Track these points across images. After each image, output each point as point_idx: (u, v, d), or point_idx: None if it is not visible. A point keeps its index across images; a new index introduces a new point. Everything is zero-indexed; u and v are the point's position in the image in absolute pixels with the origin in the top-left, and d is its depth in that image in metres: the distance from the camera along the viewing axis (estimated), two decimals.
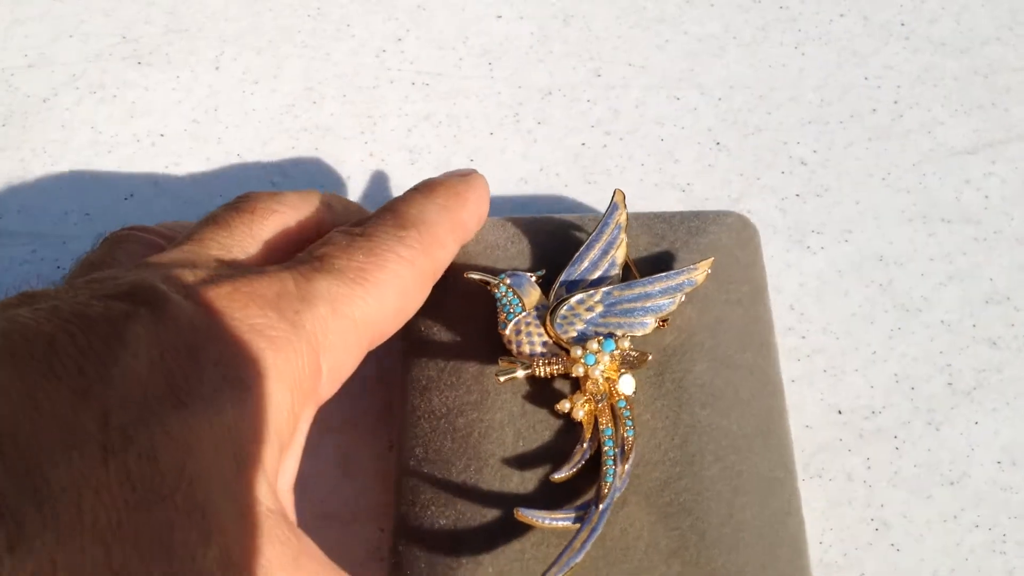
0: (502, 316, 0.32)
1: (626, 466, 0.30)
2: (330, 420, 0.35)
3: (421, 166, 0.42)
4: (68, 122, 0.43)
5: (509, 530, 0.30)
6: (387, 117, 0.43)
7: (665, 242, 0.35)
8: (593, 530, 0.29)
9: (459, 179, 0.34)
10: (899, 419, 0.36)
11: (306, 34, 0.46)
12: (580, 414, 0.31)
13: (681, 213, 0.36)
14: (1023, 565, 0.33)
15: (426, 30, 0.46)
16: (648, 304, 0.32)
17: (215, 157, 0.42)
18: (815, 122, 0.42)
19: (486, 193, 0.34)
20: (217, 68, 0.45)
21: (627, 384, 0.31)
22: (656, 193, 0.41)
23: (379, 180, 0.42)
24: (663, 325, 0.33)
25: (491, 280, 0.33)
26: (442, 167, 0.42)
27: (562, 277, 0.33)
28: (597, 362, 0.31)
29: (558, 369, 0.32)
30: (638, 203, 0.40)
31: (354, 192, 0.41)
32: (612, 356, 0.31)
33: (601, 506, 0.29)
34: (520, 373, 0.32)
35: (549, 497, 0.30)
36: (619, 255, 0.34)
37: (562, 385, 0.32)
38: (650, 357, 0.32)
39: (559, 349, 0.32)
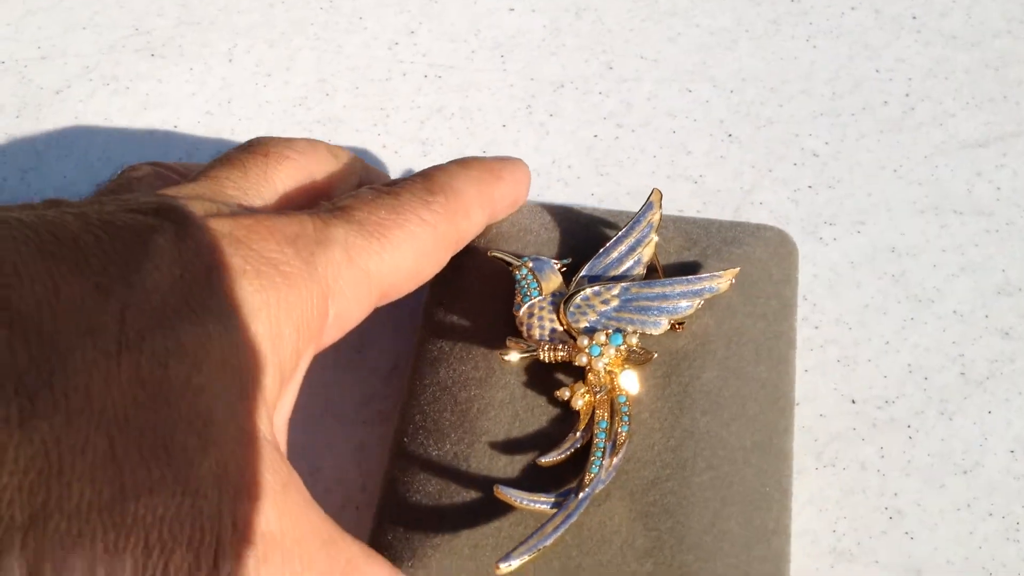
0: (518, 298, 0.33)
1: (614, 460, 0.30)
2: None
3: (434, 158, 0.42)
4: (81, 114, 0.43)
5: (490, 507, 0.30)
6: (399, 109, 0.43)
7: (697, 247, 0.35)
8: (568, 517, 0.29)
9: (499, 158, 0.34)
10: (912, 409, 0.36)
11: (319, 27, 0.46)
12: (579, 403, 0.31)
13: (720, 221, 0.36)
14: None
15: (438, 23, 0.46)
16: (665, 305, 0.32)
17: (228, 149, 0.42)
18: (827, 114, 0.42)
19: (524, 177, 0.35)
20: (230, 60, 0.45)
21: (629, 380, 0.31)
22: (668, 185, 0.41)
23: (392, 172, 0.42)
24: (679, 328, 0.33)
25: (513, 261, 0.33)
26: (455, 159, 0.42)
27: (585, 268, 0.33)
28: (602, 354, 0.31)
29: (563, 356, 0.32)
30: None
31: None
32: (618, 350, 0.32)
33: (581, 495, 0.29)
34: (524, 355, 0.32)
35: (534, 481, 0.31)
36: (646, 253, 0.34)
37: (568, 375, 0.33)
38: (655, 356, 0.32)
39: (568, 337, 0.32)
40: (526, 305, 0.32)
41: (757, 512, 0.30)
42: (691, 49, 0.44)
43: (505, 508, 0.30)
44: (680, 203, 0.40)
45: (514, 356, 0.32)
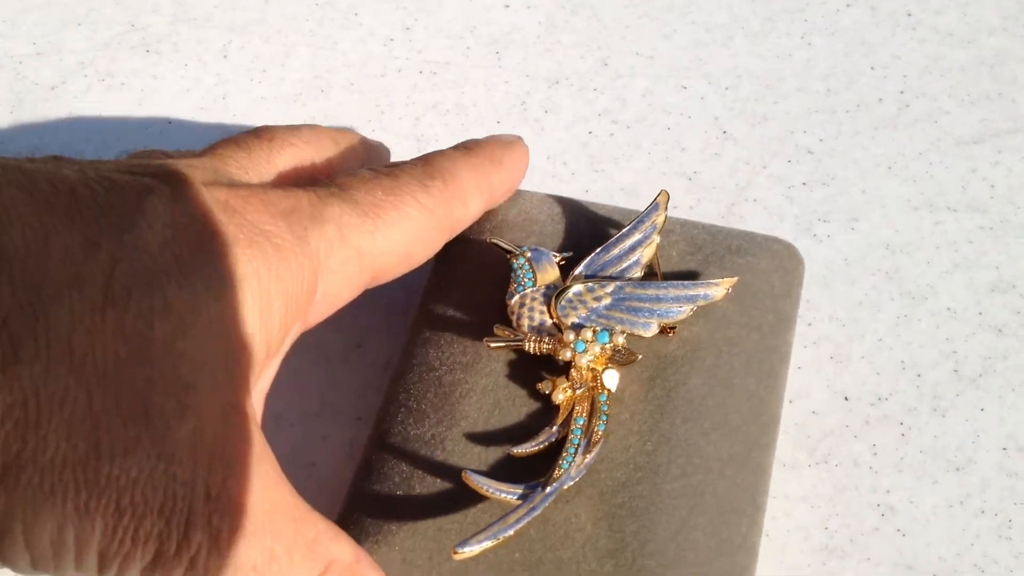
0: (512, 287, 0.33)
1: (587, 458, 0.30)
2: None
3: None
4: (77, 110, 0.43)
5: (459, 493, 0.30)
6: (395, 106, 0.43)
7: (701, 253, 0.35)
8: (532, 509, 0.29)
9: (499, 143, 0.34)
10: (905, 405, 0.36)
11: (314, 23, 0.46)
12: (559, 398, 0.31)
13: (729, 229, 0.35)
14: None
15: (434, 19, 0.46)
16: (657, 307, 0.32)
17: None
18: (822, 111, 0.42)
19: (523, 161, 0.35)
20: (225, 56, 0.45)
21: (611, 378, 0.31)
22: (663, 181, 0.41)
23: None
24: (671, 333, 0.33)
25: (513, 250, 0.33)
26: None
27: (583, 263, 0.33)
28: (586, 351, 0.31)
29: (547, 348, 0.32)
30: (644, 192, 0.41)
31: None
32: (603, 349, 0.32)
33: (548, 489, 0.30)
34: (509, 343, 0.32)
35: (506, 471, 0.31)
36: (646, 254, 0.33)
37: (555, 370, 0.33)
38: (639, 358, 0.32)
39: (556, 331, 0.32)
40: (519, 295, 0.33)
41: (726, 525, 0.30)
42: (687, 46, 0.44)
43: (474, 495, 0.30)
44: (674, 200, 0.40)
45: (506, 343, 0.32)
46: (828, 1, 0.45)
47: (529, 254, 0.33)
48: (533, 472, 0.30)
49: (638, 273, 0.33)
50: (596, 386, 0.31)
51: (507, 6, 0.46)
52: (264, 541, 0.25)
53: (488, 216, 0.36)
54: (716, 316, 0.33)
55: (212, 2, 0.46)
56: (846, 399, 0.36)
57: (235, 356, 0.25)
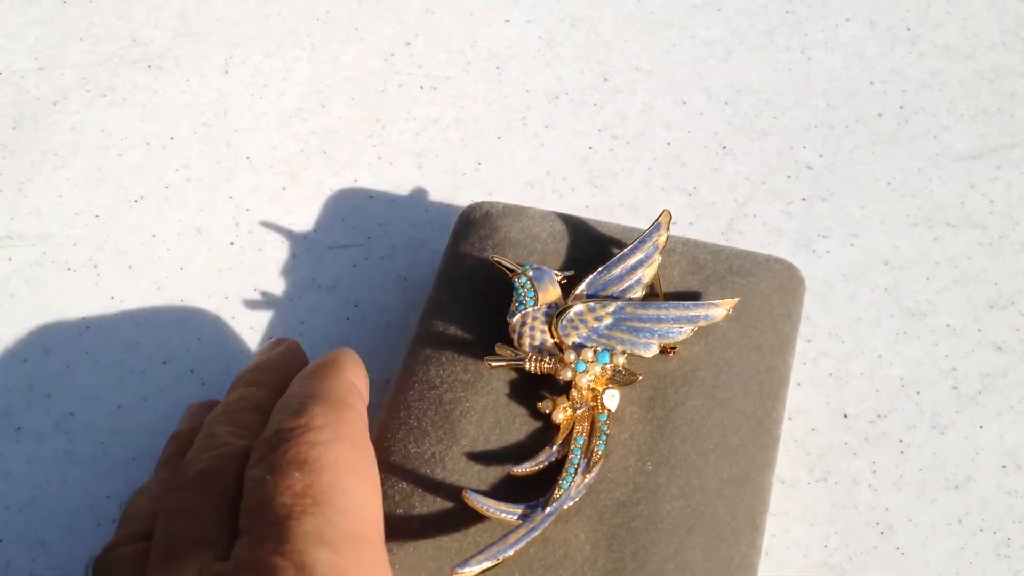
0: (513, 305, 0.33)
1: (587, 478, 0.30)
2: None
3: (428, 169, 0.42)
4: (78, 125, 0.44)
5: (459, 512, 0.30)
6: (395, 120, 0.43)
7: (702, 273, 0.35)
8: (532, 530, 0.29)
9: (315, 363, 0.33)
10: (904, 423, 0.36)
11: (315, 37, 0.46)
12: (559, 417, 0.31)
13: (731, 249, 0.35)
14: None
15: (434, 34, 0.46)
16: (657, 328, 0.32)
17: (225, 160, 0.42)
18: (821, 126, 0.43)
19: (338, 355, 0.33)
20: (226, 72, 0.45)
21: (611, 399, 0.32)
22: (662, 197, 0.41)
23: (387, 183, 0.42)
24: (671, 353, 0.33)
25: (515, 269, 0.33)
26: (449, 170, 0.42)
27: (585, 283, 0.33)
28: (587, 371, 0.32)
29: (548, 368, 0.32)
30: (643, 207, 0.41)
31: (361, 195, 0.41)
32: (604, 369, 0.32)
33: (547, 509, 0.30)
34: (510, 363, 0.32)
35: (506, 491, 0.31)
36: (648, 274, 0.34)
37: (556, 390, 0.33)
38: (639, 378, 0.32)
39: (557, 350, 0.32)
40: (520, 314, 0.33)
41: (724, 545, 0.30)
42: (686, 60, 0.45)
43: (474, 515, 0.30)
44: (674, 215, 0.40)
45: (508, 363, 0.32)
46: (827, 16, 0.46)
47: (531, 273, 0.33)
48: (533, 491, 0.30)
49: (639, 293, 0.33)
50: (596, 406, 0.31)
51: (507, 21, 0.46)
52: None
53: (490, 234, 0.36)
54: (716, 336, 0.33)
55: (213, 17, 0.46)
56: (845, 416, 0.36)
57: None
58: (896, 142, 0.42)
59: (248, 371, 0.34)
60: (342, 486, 0.28)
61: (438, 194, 0.41)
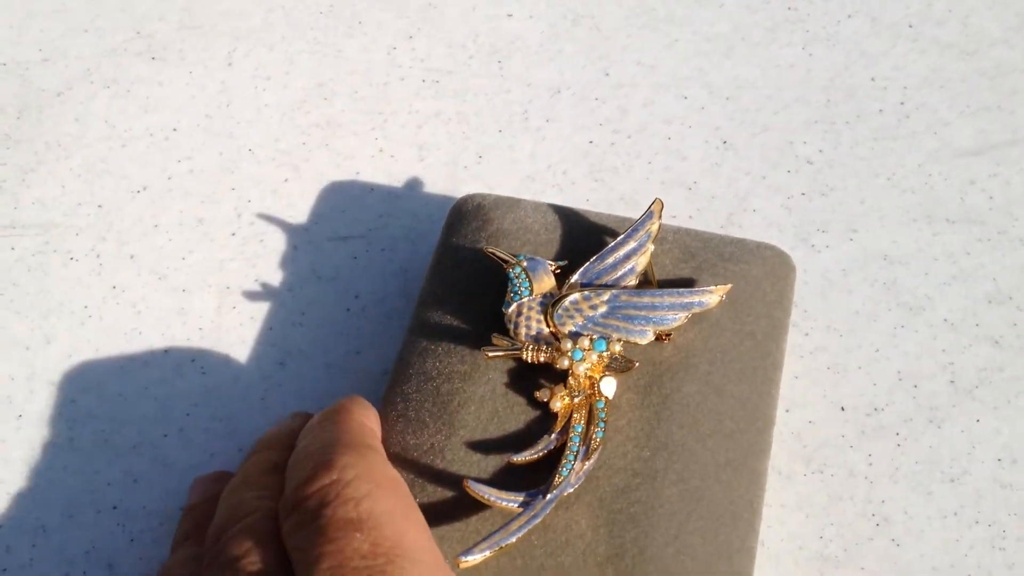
0: (509, 296, 0.33)
1: (586, 465, 0.30)
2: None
3: (430, 163, 0.42)
4: (82, 116, 0.44)
5: (460, 502, 0.31)
6: (397, 114, 0.44)
7: (694, 261, 0.35)
8: (533, 517, 0.30)
9: (322, 413, 0.33)
10: (901, 416, 0.36)
11: (318, 31, 0.46)
12: (557, 405, 0.32)
13: (722, 236, 0.36)
14: (1022, 561, 0.33)
15: (437, 28, 0.46)
16: (652, 315, 0.33)
17: (227, 152, 0.43)
18: (821, 122, 0.43)
19: (348, 402, 0.33)
20: (230, 64, 0.45)
21: (608, 386, 0.32)
22: (662, 191, 0.41)
23: (389, 176, 0.42)
24: (666, 340, 0.33)
25: (509, 259, 0.34)
26: (451, 163, 0.42)
27: (579, 272, 0.33)
28: (584, 359, 0.32)
29: (545, 357, 0.32)
30: (643, 201, 0.41)
31: (363, 188, 0.42)
32: (600, 357, 0.32)
33: (548, 497, 0.30)
34: (507, 353, 0.32)
35: (506, 479, 0.31)
36: (641, 262, 0.34)
37: (552, 378, 0.33)
38: (636, 365, 0.32)
39: (553, 339, 0.32)
40: (515, 304, 0.33)
41: (723, 529, 0.31)
42: (687, 56, 0.45)
43: (474, 503, 0.30)
44: (674, 209, 0.40)
45: (504, 353, 0.32)
46: (829, 12, 0.46)
47: (525, 263, 0.33)
48: (532, 480, 0.31)
49: (633, 281, 0.34)
50: (593, 393, 0.32)
51: (510, 15, 0.46)
52: None
53: (483, 226, 0.36)
54: (710, 323, 0.33)
55: (217, 10, 0.47)
56: (842, 409, 0.36)
57: None
58: (896, 138, 0.42)
59: (262, 440, 0.34)
60: (404, 533, 0.27)
61: (439, 187, 0.42)
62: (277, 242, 0.40)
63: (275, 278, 0.40)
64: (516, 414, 0.32)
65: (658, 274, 0.34)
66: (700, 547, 0.30)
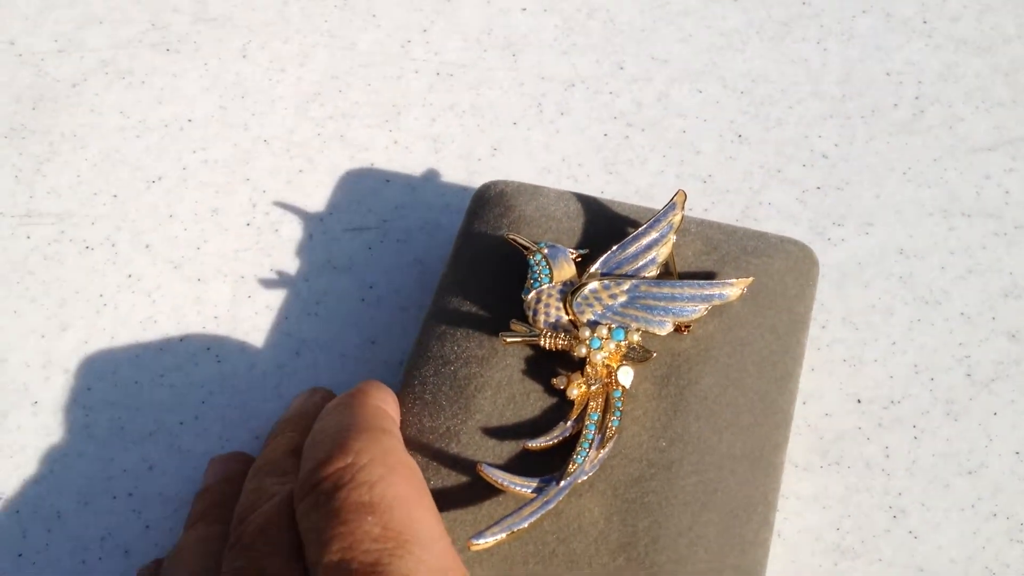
0: (528, 283, 0.33)
1: (601, 453, 0.30)
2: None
3: (444, 155, 0.42)
4: (97, 107, 0.44)
5: (474, 486, 0.31)
6: (411, 106, 0.44)
7: (717, 253, 0.35)
8: (546, 503, 0.29)
9: (340, 396, 0.32)
10: (918, 409, 0.36)
11: (332, 23, 0.46)
12: (574, 393, 0.31)
13: (745, 229, 0.36)
14: None
15: (451, 21, 0.46)
16: (671, 306, 0.32)
17: (242, 143, 0.43)
18: (836, 116, 0.43)
19: (367, 386, 0.33)
20: (244, 56, 0.45)
21: (625, 375, 0.32)
22: (677, 184, 0.41)
23: (404, 168, 0.42)
24: (685, 331, 0.33)
25: (529, 246, 0.34)
26: (465, 156, 0.42)
27: (600, 261, 0.33)
28: (601, 347, 0.32)
29: (563, 344, 0.32)
30: (658, 194, 0.41)
31: (378, 179, 0.42)
32: (618, 346, 0.32)
33: (562, 483, 0.30)
34: (525, 339, 0.32)
35: (520, 465, 0.31)
36: (662, 253, 0.34)
37: (570, 366, 0.33)
38: (654, 355, 0.32)
39: (572, 327, 0.32)
40: (535, 291, 0.33)
41: (737, 521, 0.31)
42: (702, 49, 0.45)
43: (488, 488, 0.30)
44: (689, 202, 0.40)
45: (523, 339, 0.32)
46: (844, 7, 0.46)
47: (546, 250, 0.33)
48: (547, 466, 0.31)
49: (654, 271, 0.33)
50: (610, 382, 0.32)
51: (524, 9, 0.46)
52: None
53: (505, 212, 0.36)
54: (730, 316, 0.33)
55: (232, 2, 0.47)
56: (859, 402, 0.36)
57: None
58: (912, 133, 0.42)
59: (284, 421, 0.34)
60: (415, 518, 0.27)
61: (454, 179, 0.42)
62: (292, 232, 0.40)
63: (290, 268, 0.40)
64: (532, 400, 0.32)
65: (680, 265, 0.34)
66: (713, 539, 0.30)
